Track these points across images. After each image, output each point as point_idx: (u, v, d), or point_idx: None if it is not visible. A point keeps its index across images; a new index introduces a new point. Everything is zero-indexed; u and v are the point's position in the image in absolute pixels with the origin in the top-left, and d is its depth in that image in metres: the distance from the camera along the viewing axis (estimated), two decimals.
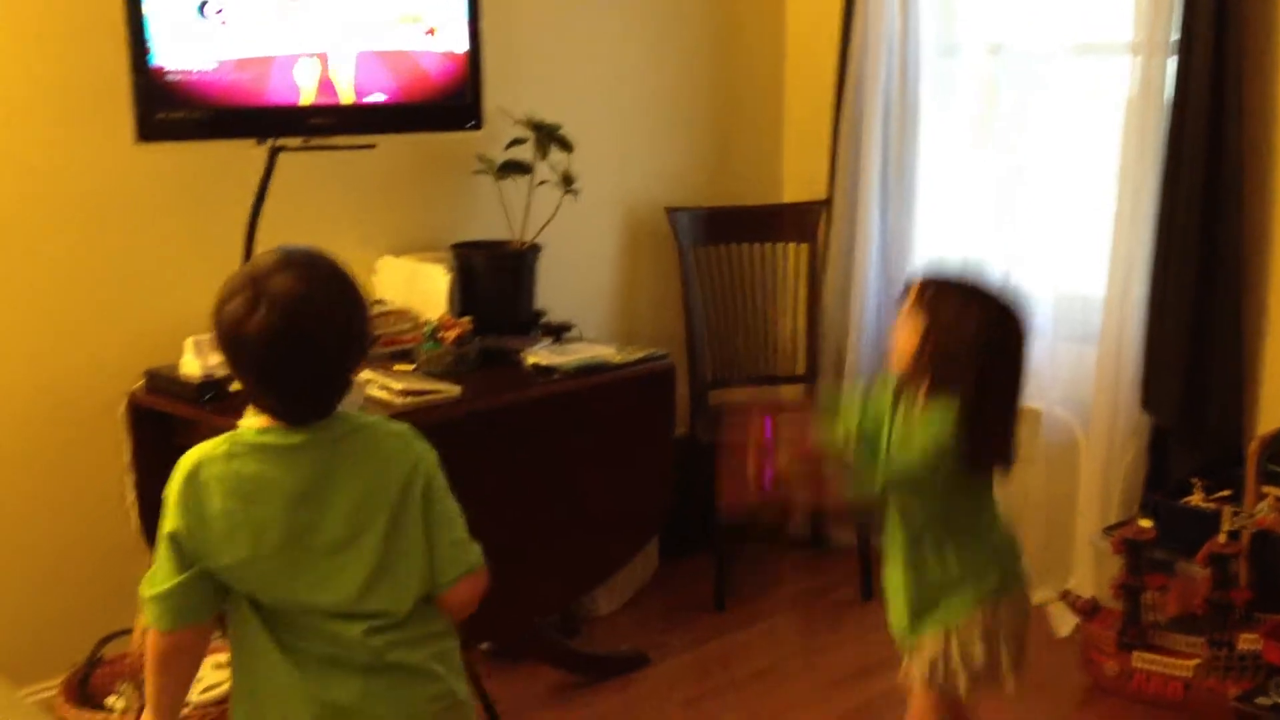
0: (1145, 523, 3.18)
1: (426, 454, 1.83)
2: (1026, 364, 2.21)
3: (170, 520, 1.72)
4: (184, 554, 1.72)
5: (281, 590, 1.74)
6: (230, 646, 1.84)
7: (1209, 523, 3.07)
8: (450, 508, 1.84)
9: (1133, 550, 3.12)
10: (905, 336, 2.23)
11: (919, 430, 2.20)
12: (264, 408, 1.74)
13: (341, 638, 1.75)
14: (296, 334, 1.66)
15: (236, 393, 2.67)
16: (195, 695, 2.59)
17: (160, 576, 1.73)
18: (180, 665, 1.81)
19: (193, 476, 1.71)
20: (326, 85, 2.99)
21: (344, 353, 1.73)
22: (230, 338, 1.68)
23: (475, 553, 1.84)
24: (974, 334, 2.14)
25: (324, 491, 1.72)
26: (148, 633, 1.78)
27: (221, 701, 2.58)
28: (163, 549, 1.73)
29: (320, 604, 1.74)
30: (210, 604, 1.76)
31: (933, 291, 2.22)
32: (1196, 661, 3.05)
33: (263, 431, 1.73)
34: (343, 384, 1.75)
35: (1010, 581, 2.30)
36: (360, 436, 1.77)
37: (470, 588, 1.83)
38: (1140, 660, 3.11)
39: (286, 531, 1.71)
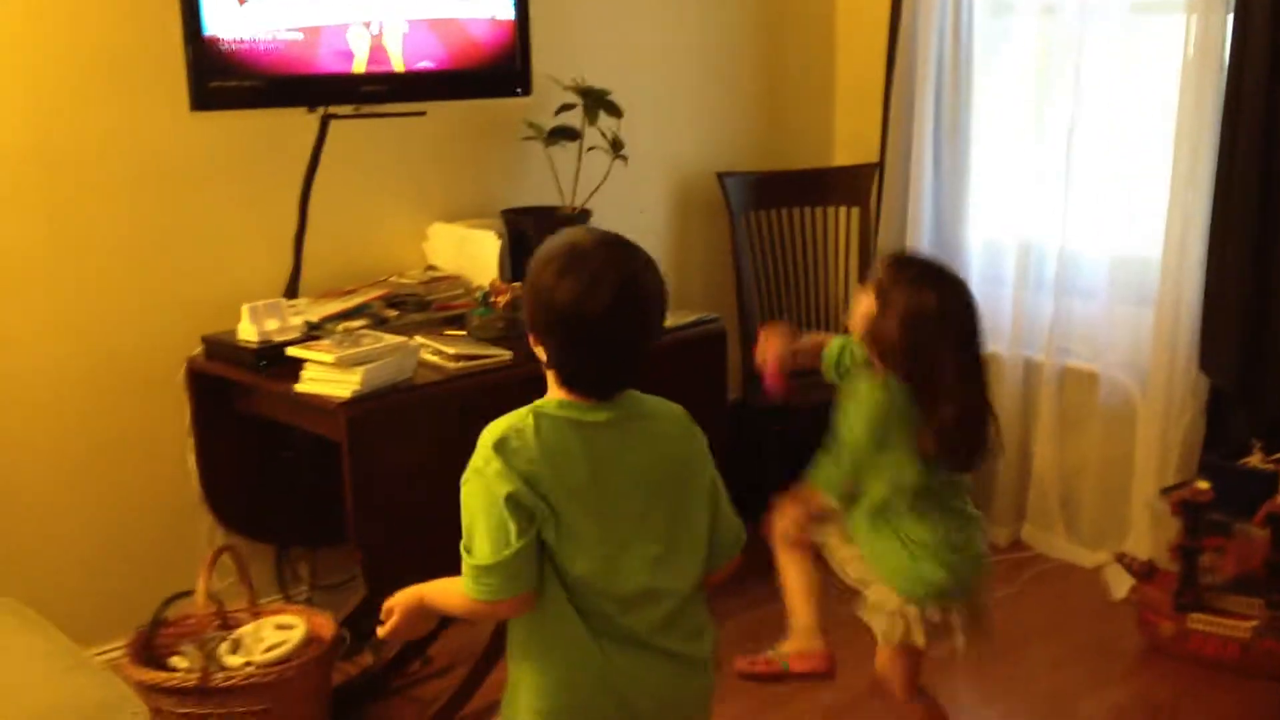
0: (1203, 484, 3.15)
1: (703, 437, 1.88)
2: (975, 361, 2.21)
3: (502, 485, 1.69)
4: (524, 513, 1.70)
5: (590, 558, 1.75)
6: (526, 636, 1.82)
7: (1267, 484, 3.04)
8: (723, 488, 1.90)
9: (1190, 512, 3.10)
10: (857, 315, 2.28)
11: (853, 406, 2.26)
12: (574, 382, 1.76)
13: (635, 625, 1.78)
14: (630, 313, 1.72)
15: (292, 358, 2.71)
16: (258, 655, 2.65)
17: (496, 545, 1.70)
18: None
19: (503, 443, 1.71)
20: (377, 53, 3.02)
21: (660, 326, 1.79)
22: (571, 317, 1.70)
23: (742, 531, 1.91)
24: (917, 324, 2.17)
25: (617, 467, 1.76)
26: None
27: (283, 661, 2.63)
28: (494, 517, 1.70)
29: (619, 584, 1.76)
30: (538, 572, 1.76)
31: (890, 276, 2.24)
32: (1254, 623, 3.02)
33: (564, 405, 1.76)
34: (638, 367, 1.79)
35: (958, 588, 2.31)
36: (650, 416, 1.83)
37: (731, 567, 1.91)
38: (1197, 622, 3.09)
39: (588, 500, 1.74)
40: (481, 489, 1.71)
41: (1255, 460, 3.18)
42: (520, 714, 1.83)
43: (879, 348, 2.24)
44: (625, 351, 1.76)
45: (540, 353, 1.77)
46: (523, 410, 1.76)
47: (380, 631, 1.89)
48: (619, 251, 1.75)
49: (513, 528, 1.69)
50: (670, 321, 3.14)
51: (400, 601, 1.87)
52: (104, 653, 2.87)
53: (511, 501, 1.69)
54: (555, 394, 1.78)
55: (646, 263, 1.77)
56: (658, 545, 1.78)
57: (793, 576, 2.53)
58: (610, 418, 1.77)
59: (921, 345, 2.18)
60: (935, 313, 2.18)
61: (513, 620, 1.81)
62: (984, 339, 2.27)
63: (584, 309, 1.69)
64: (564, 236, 1.77)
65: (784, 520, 2.47)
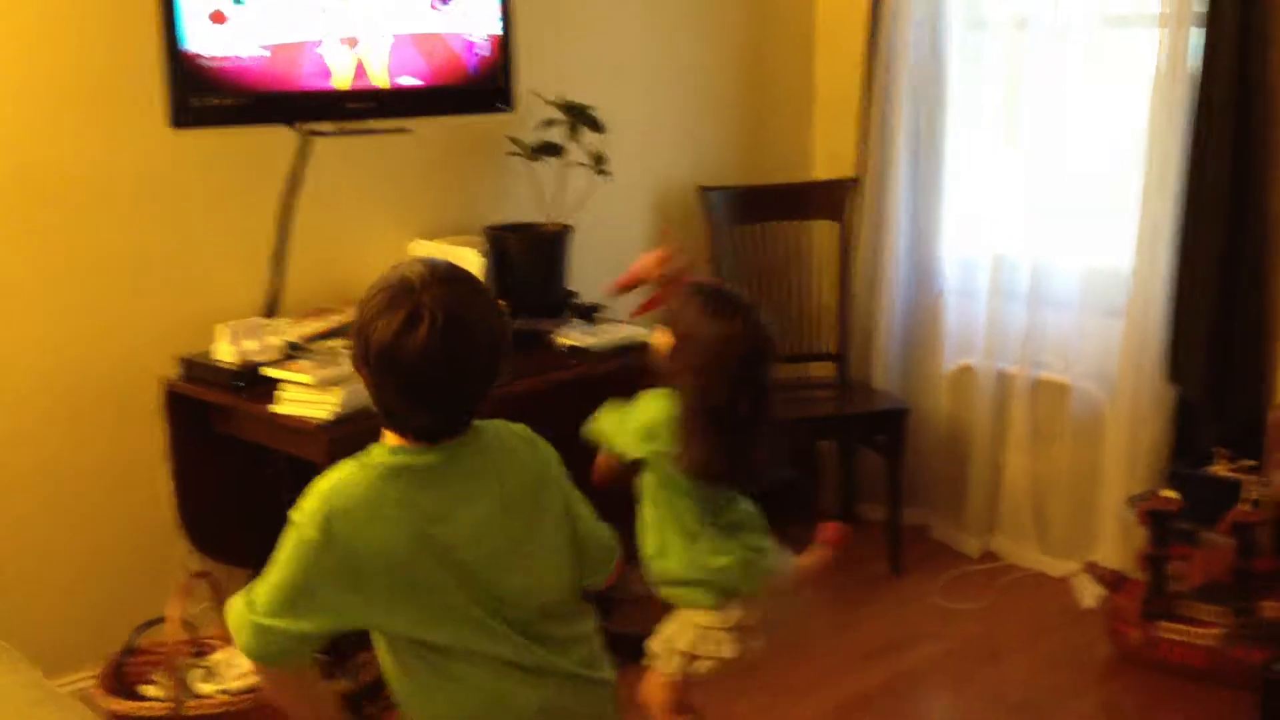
0: (1169, 493, 3.20)
1: (552, 453, 1.84)
2: (755, 390, 2.16)
3: (317, 559, 1.64)
4: (320, 604, 1.65)
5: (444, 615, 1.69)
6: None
7: (1232, 492, 3.09)
8: (582, 500, 1.87)
9: (1157, 521, 3.15)
10: (656, 335, 2.29)
11: (633, 410, 2.28)
12: (405, 426, 1.67)
13: (510, 652, 1.72)
14: (457, 351, 1.61)
15: (271, 379, 2.72)
16: (231, 683, 2.63)
17: (281, 607, 1.66)
18: None
19: (330, 515, 1.64)
20: (360, 70, 3.03)
21: (495, 369, 1.68)
22: (385, 355, 1.60)
23: (612, 539, 1.90)
24: (702, 349, 2.15)
25: (460, 508, 1.69)
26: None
27: (257, 688, 2.60)
28: (292, 585, 1.66)
29: (486, 622, 1.70)
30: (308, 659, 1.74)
31: (682, 300, 2.25)
32: (1221, 630, 3.07)
33: (395, 451, 1.68)
34: (484, 401, 1.71)
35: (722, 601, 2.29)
36: (486, 449, 1.74)
37: (610, 579, 1.91)
38: (1165, 630, 3.14)
39: (430, 551, 1.67)
40: (297, 550, 1.64)
41: (1221, 469, 3.23)
42: None
43: (670, 366, 2.22)
44: (446, 397, 1.65)
45: (370, 392, 1.68)
46: (351, 464, 1.68)
47: None
48: (449, 286, 1.63)
49: (304, 600, 1.64)
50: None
51: None
52: (74, 682, 2.83)
53: (313, 573, 1.63)
54: (386, 437, 1.70)
55: (479, 294, 1.67)
56: (516, 577, 1.72)
57: None
58: (445, 458, 1.68)
59: (718, 363, 2.14)
60: (717, 341, 2.15)
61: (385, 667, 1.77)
62: (771, 367, 2.22)
63: (402, 347, 1.59)
64: (399, 268, 1.66)
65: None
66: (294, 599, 1.66)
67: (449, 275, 1.65)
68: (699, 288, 2.30)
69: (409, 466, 1.67)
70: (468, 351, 1.63)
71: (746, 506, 2.33)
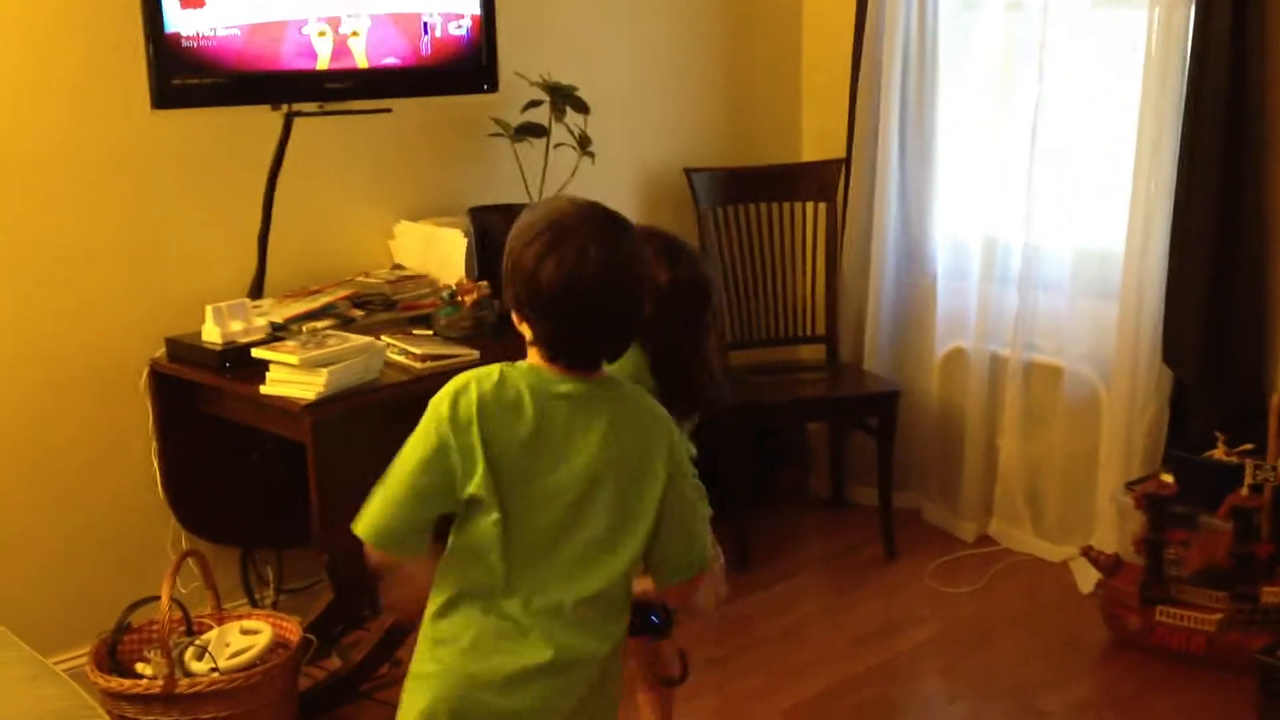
0: (1167, 477, 3.18)
1: (673, 434, 1.82)
2: (704, 320, 2.19)
3: (439, 434, 1.70)
4: (445, 470, 1.70)
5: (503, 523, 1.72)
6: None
7: (1231, 476, 3.06)
8: (692, 499, 1.84)
9: (1154, 505, 3.12)
10: None
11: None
12: (558, 356, 1.73)
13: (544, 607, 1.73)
14: (618, 289, 1.69)
15: (256, 359, 2.69)
16: (223, 661, 2.63)
17: (403, 494, 1.72)
18: None
19: (461, 391, 1.71)
20: (341, 49, 3.00)
21: (642, 307, 1.75)
22: (553, 294, 1.66)
23: (704, 551, 1.85)
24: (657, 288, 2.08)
25: (561, 441, 1.73)
26: None
27: (249, 666, 2.61)
28: (416, 465, 1.71)
29: (527, 560, 1.73)
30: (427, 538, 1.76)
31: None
32: (1219, 615, 3.05)
33: (533, 369, 1.74)
34: (627, 341, 1.78)
35: None
36: (619, 400, 1.78)
37: (683, 589, 1.86)
38: (1163, 615, 3.11)
39: (522, 463, 1.71)
40: (423, 431, 1.71)
41: (1219, 453, 3.20)
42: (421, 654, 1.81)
43: None
44: (612, 327, 1.73)
45: (525, 330, 1.73)
46: (492, 366, 1.75)
47: None
48: (603, 225, 1.71)
49: (422, 474, 1.69)
50: None
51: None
52: (67, 660, 2.83)
53: (437, 446, 1.69)
54: (532, 359, 1.76)
55: (631, 233, 1.74)
56: (585, 531, 1.73)
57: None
58: (573, 391, 1.74)
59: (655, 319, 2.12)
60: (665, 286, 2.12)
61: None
62: (715, 311, 2.25)
63: (571, 288, 1.65)
64: (545, 210, 1.72)
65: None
66: (418, 476, 1.70)
67: (598, 212, 1.73)
68: (646, 236, 2.26)
69: (540, 389, 1.73)
70: (631, 282, 1.71)
71: None
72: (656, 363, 2.13)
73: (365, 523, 1.73)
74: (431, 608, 1.78)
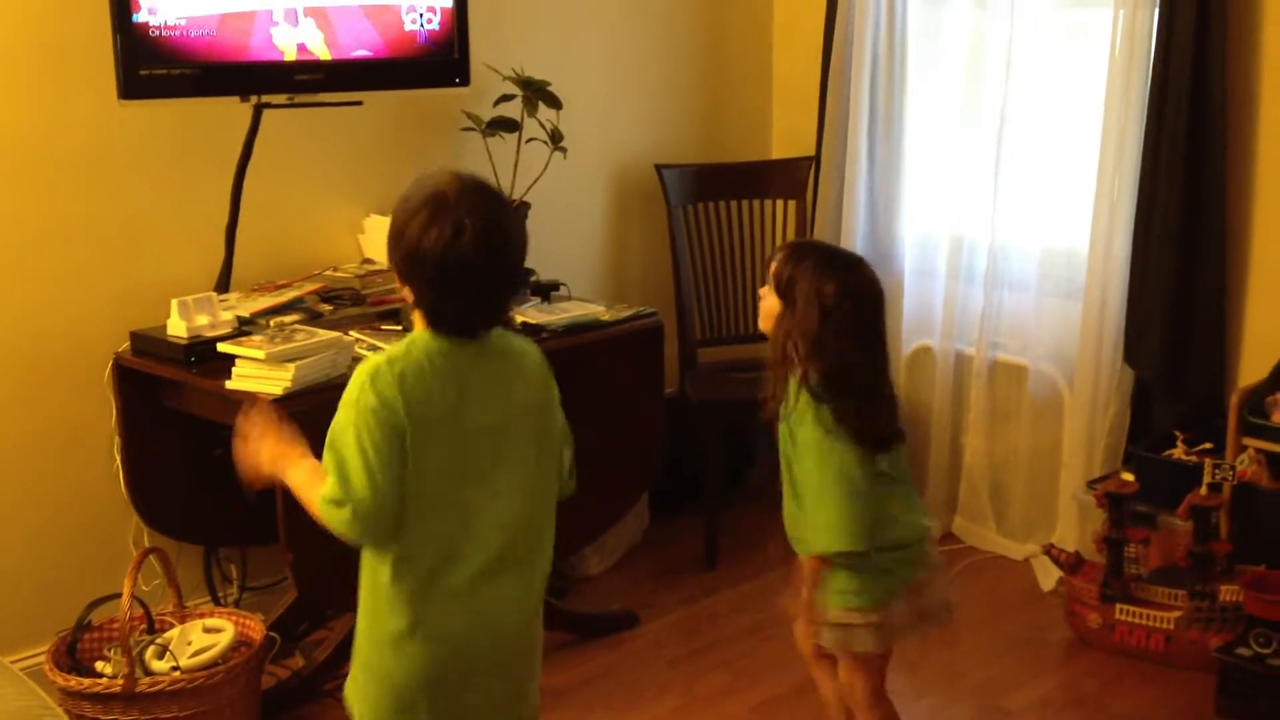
0: (1128, 476, 3.21)
1: (555, 385, 2.01)
2: (882, 343, 2.22)
3: (378, 415, 1.80)
4: (397, 441, 1.81)
5: (443, 481, 1.85)
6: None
7: (1190, 475, 3.10)
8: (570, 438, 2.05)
9: (1115, 504, 3.15)
10: (765, 314, 2.28)
11: (799, 432, 2.22)
12: (442, 324, 1.85)
13: (477, 560, 1.88)
14: (494, 259, 1.81)
15: (222, 354, 2.67)
16: (185, 659, 2.61)
17: (371, 477, 1.81)
18: None
19: (377, 375, 1.81)
20: (310, 41, 2.98)
21: (520, 271, 1.93)
22: (435, 263, 1.78)
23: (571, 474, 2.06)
24: (825, 312, 2.14)
25: (484, 393, 1.87)
26: None
27: (211, 665, 2.60)
28: (368, 449, 1.80)
29: (471, 512, 1.88)
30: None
31: (790, 268, 2.21)
32: (1178, 614, 3.08)
33: (435, 338, 1.86)
34: (501, 312, 1.92)
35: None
36: (514, 354, 1.94)
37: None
38: (1122, 613, 3.15)
39: (454, 423, 1.85)
40: (356, 419, 1.79)
41: (1179, 452, 3.24)
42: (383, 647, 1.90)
43: (791, 343, 2.20)
44: (490, 295, 1.86)
45: (407, 294, 1.85)
46: (396, 344, 1.87)
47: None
48: (481, 198, 1.82)
49: (386, 458, 1.79)
50: (608, 315, 3.17)
51: (272, 462, 1.95)
52: (25, 659, 2.80)
53: (386, 430, 1.78)
54: (424, 332, 1.87)
55: (508, 208, 1.89)
56: (514, 473, 1.89)
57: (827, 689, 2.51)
58: (478, 349, 1.88)
59: (831, 335, 2.15)
60: (840, 298, 2.15)
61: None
62: (884, 322, 2.26)
63: (449, 256, 1.78)
64: (427, 183, 1.83)
65: (800, 629, 2.41)
66: (371, 469, 1.80)
67: (477, 186, 1.85)
68: (801, 251, 2.26)
69: (444, 345, 1.86)
70: (506, 253, 1.85)
71: None
72: (831, 383, 2.11)
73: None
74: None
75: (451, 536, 1.86)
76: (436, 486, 1.84)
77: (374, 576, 1.89)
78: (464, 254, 1.77)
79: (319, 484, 1.85)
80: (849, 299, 2.17)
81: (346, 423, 1.81)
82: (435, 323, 1.85)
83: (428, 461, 1.82)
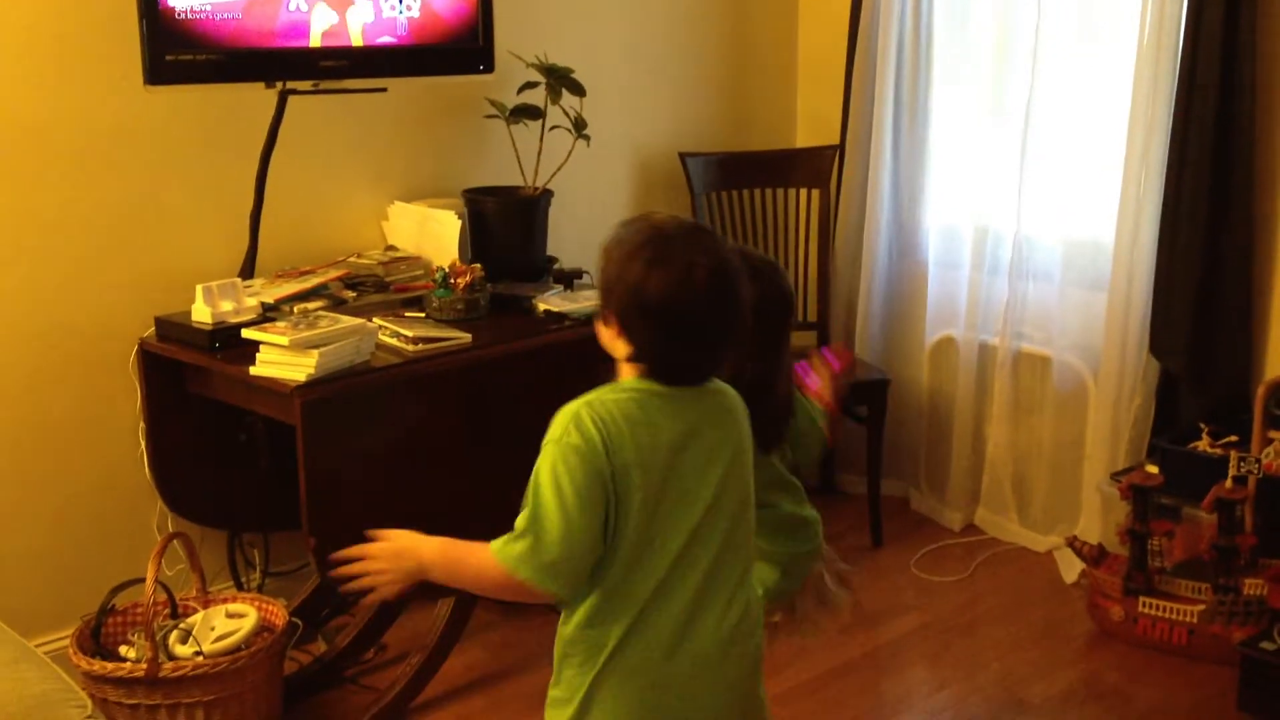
0: (1152, 469, 3.19)
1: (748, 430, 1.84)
2: (787, 339, 2.13)
3: (583, 457, 1.65)
4: (599, 491, 1.66)
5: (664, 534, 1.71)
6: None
7: (1216, 468, 3.08)
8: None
9: (1139, 496, 3.13)
10: None
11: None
12: (663, 374, 1.72)
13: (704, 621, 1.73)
14: (724, 301, 1.69)
15: (247, 340, 2.68)
16: (208, 644, 2.62)
17: (567, 523, 1.64)
18: None
19: (582, 416, 1.67)
20: (336, 27, 2.98)
21: (746, 315, 1.75)
22: (664, 307, 1.65)
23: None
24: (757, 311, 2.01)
25: (701, 437, 1.73)
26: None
27: (234, 650, 2.61)
28: (568, 493, 1.64)
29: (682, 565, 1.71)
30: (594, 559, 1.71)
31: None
32: (1201, 607, 3.07)
33: (644, 380, 1.72)
34: (728, 356, 1.77)
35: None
36: (718, 391, 1.79)
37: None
38: (1146, 605, 3.13)
39: (665, 473, 1.70)
40: (558, 460, 1.65)
41: (1204, 445, 3.22)
42: None
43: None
44: (719, 340, 1.72)
45: (621, 346, 1.71)
46: (597, 391, 1.72)
47: (349, 580, 1.77)
48: (704, 237, 1.72)
49: (585, 504, 1.64)
50: None
51: (400, 559, 1.74)
52: (49, 643, 2.82)
53: (591, 476, 1.64)
54: (627, 379, 1.73)
55: (731, 252, 1.74)
56: (726, 522, 1.74)
57: None
58: (693, 392, 1.74)
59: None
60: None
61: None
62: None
63: (681, 299, 1.65)
64: (643, 224, 1.72)
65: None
66: (571, 517, 1.64)
67: (695, 227, 1.74)
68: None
69: (658, 392, 1.72)
70: (734, 295, 1.71)
71: None
72: (747, 391, 2.00)
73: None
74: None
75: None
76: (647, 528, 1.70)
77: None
78: (696, 297, 1.65)
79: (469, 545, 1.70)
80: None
81: (546, 463, 1.67)
82: (656, 373, 1.71)
83: (639, 508, 1.68)
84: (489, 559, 1.67)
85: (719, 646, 1.74)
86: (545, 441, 1.68)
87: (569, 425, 1.66)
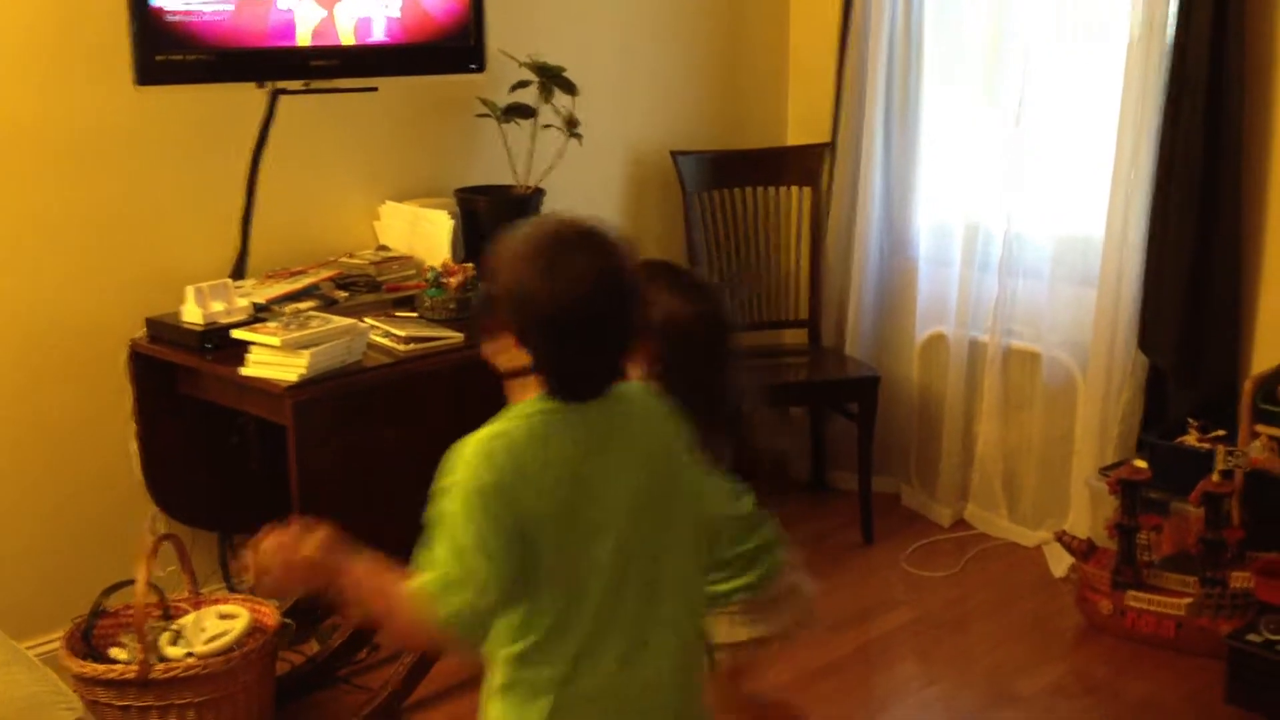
0: (1140, 463, 3.21)
1: (679, 424, 1.77)
2: (727, 355, 2.07)
3: (486, 499, 1.56)
4: (508, 530, 1.56)
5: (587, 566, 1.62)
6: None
7: (1203, 462, 3.10)
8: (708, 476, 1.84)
9: (1128, 490, 3.15)
10: None
11: None
12: (562, 387, 1.62)
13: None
14: (617, 301, 1.61)
15: (238, 340, 2.68)
16: (199, 646, 2.62)
17: (474, 566, 1.54)
18: None
19: (489, 453, 1.58)
20: (326, 26, 2.99)
21: (639, 316, 1.67)
22: (554, 316, 1.57)
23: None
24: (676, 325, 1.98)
25: (605, 458, 1.64)
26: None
27: (225, 651, 2.61)
28: (473, 534, 1.55)
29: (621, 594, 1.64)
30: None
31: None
32: (1189, 600, 3.09)
33: (544, 400, 1.62)
34: (625, 361, 1.68)
35: None
36: (629, 400, 1.71)
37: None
38: (1134, 599, 3.15)
39: (580, 498, 1.61)
40: (473, 502, 1.56)
41: (1191, 439, 3.24)
42: None
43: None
44: (618, 345, 1.64)
45: (513, 358, 1.62)
46: (492, 424, 1.62)
47: (250, 574, 1.67)
48: (598, 239, 1.62)
49: (494, 545, 1.54)
50: None
51: (284, 553, 1.62)
52: (40, 645, 2.79)
53: (494, 517, 1.55)
54: (534, 399, 1.63)
55: (623, 252, 1.65)
56: (656, 527, 1.67)
57: None
58: (596, 406, 1.65)
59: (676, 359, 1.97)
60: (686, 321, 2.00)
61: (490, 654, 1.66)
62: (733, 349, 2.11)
63: (577, 303, 1.57)
64: (537, 229, 1.63)
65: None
66: (475, 560, 1.55)
67: (589, 230, 1.63)
68: (656, 269, 2.10)
69: (561, 410, 1.62)
70: (631, 296, 1.63)
71: None
72: (682, 406, 1.93)
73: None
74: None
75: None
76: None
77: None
78: (591, 306, 1.57)
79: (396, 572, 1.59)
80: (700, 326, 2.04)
81: (449, 507, 1.58)
82: (557, 387, 1.61)
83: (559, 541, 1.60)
84: (411, 597, 1.56)
85: (667, 673, 1.67)
86: (451, 482, 1.58)
87: (478, 464, 1.57)
